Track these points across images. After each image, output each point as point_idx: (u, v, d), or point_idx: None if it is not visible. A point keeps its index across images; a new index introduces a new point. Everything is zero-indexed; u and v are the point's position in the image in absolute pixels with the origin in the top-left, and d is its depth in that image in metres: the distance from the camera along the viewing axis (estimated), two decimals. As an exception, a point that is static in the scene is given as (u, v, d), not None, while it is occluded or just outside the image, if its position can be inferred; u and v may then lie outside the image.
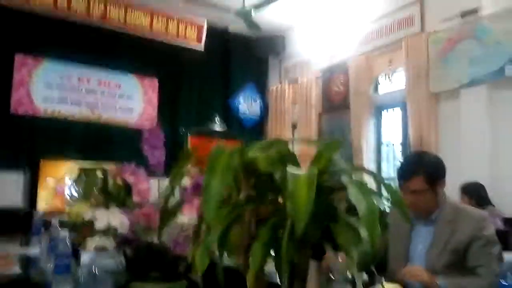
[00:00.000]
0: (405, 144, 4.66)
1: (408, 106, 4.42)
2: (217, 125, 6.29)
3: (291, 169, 0.81)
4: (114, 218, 1.82)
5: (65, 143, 5.33)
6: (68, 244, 1.66)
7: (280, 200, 0.88)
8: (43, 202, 4.92)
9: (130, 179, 1.82)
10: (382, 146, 5.07)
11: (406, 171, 1.78)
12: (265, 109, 6.75)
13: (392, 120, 5.00)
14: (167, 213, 1.07)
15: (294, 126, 6.22)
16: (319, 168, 0.84)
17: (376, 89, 5.14)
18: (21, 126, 5.14)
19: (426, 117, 4.23)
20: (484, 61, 3.86)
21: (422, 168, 1.72)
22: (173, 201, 1.07)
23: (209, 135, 6.26)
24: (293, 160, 0.92)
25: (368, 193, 0.78)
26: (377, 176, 0.95)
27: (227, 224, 0.82)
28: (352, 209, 0.90)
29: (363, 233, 0.76)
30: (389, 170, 5.03)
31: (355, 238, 0.77)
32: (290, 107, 6.29)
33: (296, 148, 1.28)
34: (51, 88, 5.31)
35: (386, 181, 0.88)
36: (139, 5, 5.67)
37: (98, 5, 5.42)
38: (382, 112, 5.08)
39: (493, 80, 3.84)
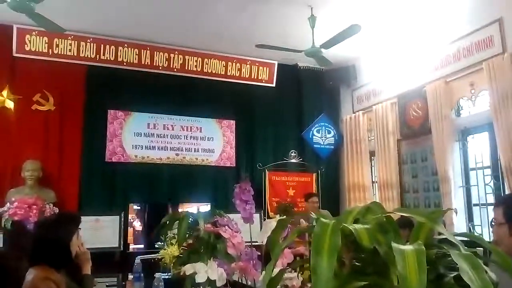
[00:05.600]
0: (495, 168, 4.36)
1: (496, 129, 4.16)
2: (293, 158, 6.34)
3: (396, 245, 0.83)
4: (213, 272, 1.92)
5: (153, 186, 5.72)
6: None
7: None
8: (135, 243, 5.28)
9: (225, 234, 1.92)
10: (471, 172, 4.77)
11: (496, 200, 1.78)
12: (340, 139, 6.71)
13: (479, 143, 4.71)
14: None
15: (372, 154, 6.11)
16: (423, 241, 0.85)
17: (458, 113, 4.91)
18: (114, 172, 5.61)
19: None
20: None
21: (504, 200, 1.70)
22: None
23: (286, 169, 6.35)
24: (393, 228, 0.94)
25: (480, 269, 0.78)
26: (483, 240, 0.94)
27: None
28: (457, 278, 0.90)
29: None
30: (480, 196, 4.73)
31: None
32: (366, 135, 6.20)
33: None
34: (140, 137, 5.76)
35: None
36: (214, 52, 6.03)
37: (178, 58, 5.86)
38: (467, 135, 4.81)
39: None
